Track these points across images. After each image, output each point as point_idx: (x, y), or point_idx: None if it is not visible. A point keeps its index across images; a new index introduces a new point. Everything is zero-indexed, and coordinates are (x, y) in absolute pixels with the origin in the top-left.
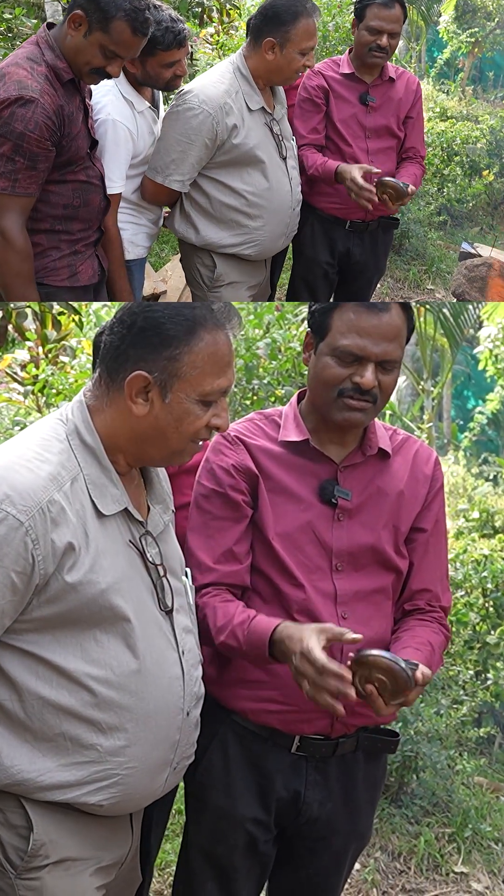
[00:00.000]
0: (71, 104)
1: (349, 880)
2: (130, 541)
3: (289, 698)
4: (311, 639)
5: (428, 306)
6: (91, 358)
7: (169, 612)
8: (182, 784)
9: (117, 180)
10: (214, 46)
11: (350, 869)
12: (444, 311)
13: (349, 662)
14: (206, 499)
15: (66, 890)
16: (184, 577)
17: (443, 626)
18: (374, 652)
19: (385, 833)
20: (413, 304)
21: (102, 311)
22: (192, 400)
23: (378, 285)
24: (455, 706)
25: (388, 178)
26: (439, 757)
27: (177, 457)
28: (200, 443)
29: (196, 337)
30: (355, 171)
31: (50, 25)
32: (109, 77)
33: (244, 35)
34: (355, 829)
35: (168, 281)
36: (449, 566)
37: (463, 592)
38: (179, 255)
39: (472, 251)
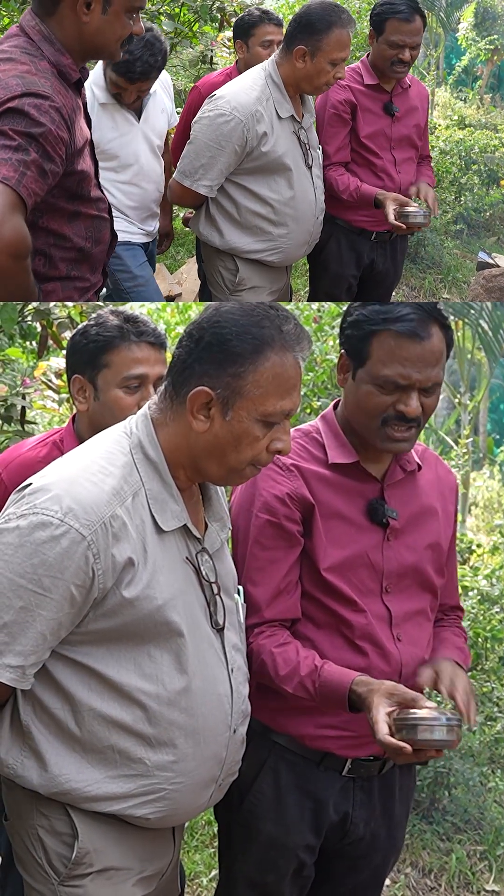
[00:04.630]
0: (78, 114)
1: None
2: (187, 557)
3: (349, 724)
4: (378, 710)
5: (466, 320)
6: None
7: (220, 630)
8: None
9: None
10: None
11: (384, 879)
12: (482, 324)
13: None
14: (259, 530)
15: None
16: (236, 596)
17: (461, 628)
18: (420, 718)
19: (416, 849)
20: (442, 307)
21: None
22: (253, 419)
23: (394, 292)
24: (489, 723)
25: (413, 215)
26: (472, 774)
27: (235, 476)
28: (261, 467)
29: (262, 356)
30: (390, 208)
31: (37, 12)
32: (132, 40)
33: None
34: (394, 844)
35: (183, 283)
36: (486, 582)
37: (498, 608)
38: (195, 258)
39: (490, 261)
